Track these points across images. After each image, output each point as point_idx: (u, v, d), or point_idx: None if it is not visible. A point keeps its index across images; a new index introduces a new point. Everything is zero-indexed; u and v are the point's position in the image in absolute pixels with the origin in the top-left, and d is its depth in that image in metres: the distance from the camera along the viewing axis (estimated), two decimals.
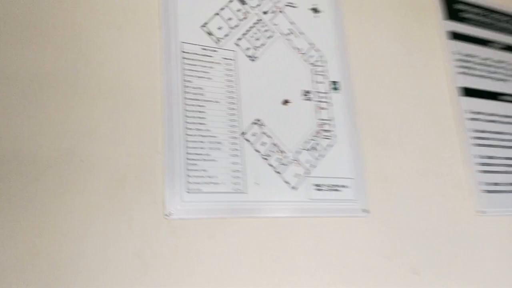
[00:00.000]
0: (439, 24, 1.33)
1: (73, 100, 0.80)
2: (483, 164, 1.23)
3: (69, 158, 0.77)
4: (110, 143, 0.81)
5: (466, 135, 1.24)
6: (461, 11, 1.40)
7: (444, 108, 1.25)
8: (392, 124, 1.14)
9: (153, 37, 0.89)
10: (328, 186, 0.99)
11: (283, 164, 0.95)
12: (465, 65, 1.32)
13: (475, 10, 1.43)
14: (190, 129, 0.88)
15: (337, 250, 0.95)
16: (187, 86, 0.89)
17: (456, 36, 1.34)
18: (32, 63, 0.78)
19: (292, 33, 1.05)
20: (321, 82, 1.05)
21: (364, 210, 1.02)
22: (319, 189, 0.98)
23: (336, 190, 1.00)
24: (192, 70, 0.91)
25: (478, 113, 1.29)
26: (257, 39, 1.00)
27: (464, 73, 1.31)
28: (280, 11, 1.05)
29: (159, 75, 0.88)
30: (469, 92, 1.29)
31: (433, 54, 1.29)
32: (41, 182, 0.74)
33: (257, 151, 0.93)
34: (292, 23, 1.06)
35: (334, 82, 1.07)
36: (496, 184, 1.23)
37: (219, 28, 0.96)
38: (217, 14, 0.97)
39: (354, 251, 0.97)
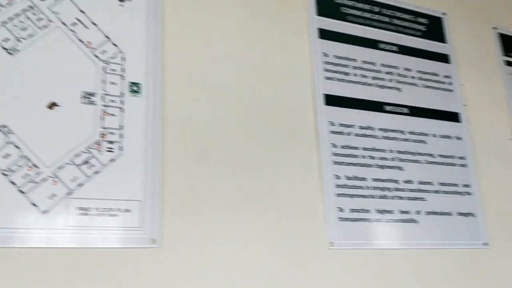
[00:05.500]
0: (308, 20, 1.14)
1: None
2: (342, 186, 1.03)
3: None
4: None
5: (326, 151, 1.04)
6: (340, 5, 1.19)
7: (300, 119, 1.05)
8: (216, 137, 0.94)
9: None
10: (100, 210, 0.81)
11: (32, 182, 0.77)
12: (335, 69, 1.12)
13: (360, 5, 1.22)
14: None
15: None
16: None
17: (327, 34, 1.14)
18: None
19: (79, 23, 0.87)
20: (114, 83, 0.87)
21: (153, 240, 0.83)
22: (84, 214, 0.79)
23: (112, 215, 0.81)
24: None
25: (347, 125, 1.09)
26: (24, 29, 0.83)
27: (331, 78, 1.11)
28: None
29: None
30: (335, 101, 1.09)
31: (294, 55, 1.09)
32: None
33: None
34: (81, 11, 0.88)
35: (134, 84, 0.89)
36: (354, 210, 1.03)
37: None
38: None
39: None
